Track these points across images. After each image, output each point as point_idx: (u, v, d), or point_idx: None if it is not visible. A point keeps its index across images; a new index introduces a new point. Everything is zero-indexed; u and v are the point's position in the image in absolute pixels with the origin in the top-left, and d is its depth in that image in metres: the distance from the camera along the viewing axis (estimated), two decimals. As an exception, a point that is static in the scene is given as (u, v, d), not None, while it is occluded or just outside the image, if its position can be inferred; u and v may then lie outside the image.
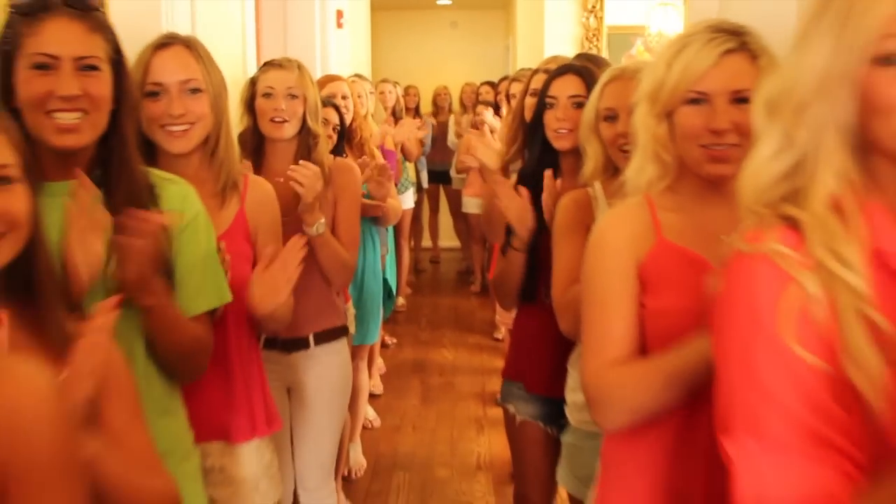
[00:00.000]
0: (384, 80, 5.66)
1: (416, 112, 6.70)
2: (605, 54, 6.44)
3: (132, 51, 1.47)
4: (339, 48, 5.98)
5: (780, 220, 0.85)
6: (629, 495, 1.31)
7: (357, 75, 4.64)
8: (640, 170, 1.30)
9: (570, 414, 1.88)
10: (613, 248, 1.29)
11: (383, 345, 4.91)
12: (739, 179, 0.90)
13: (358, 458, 3.53)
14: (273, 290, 1.60)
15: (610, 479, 1.36)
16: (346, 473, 3.35)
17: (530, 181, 1.98)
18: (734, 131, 1.18)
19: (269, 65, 2.24)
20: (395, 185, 4.26)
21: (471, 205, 5.82)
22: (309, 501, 2.33)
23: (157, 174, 1.39)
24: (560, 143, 1.99)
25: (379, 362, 4.56)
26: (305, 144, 2.22)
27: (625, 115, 1.57)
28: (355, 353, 3.04)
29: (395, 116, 5.44)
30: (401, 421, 4.10)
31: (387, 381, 4.58)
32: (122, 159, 1.30)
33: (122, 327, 1.11)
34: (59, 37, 1.24)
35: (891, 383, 0.77)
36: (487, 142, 3.16)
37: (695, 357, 1.15)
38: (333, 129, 2.76)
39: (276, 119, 2.15)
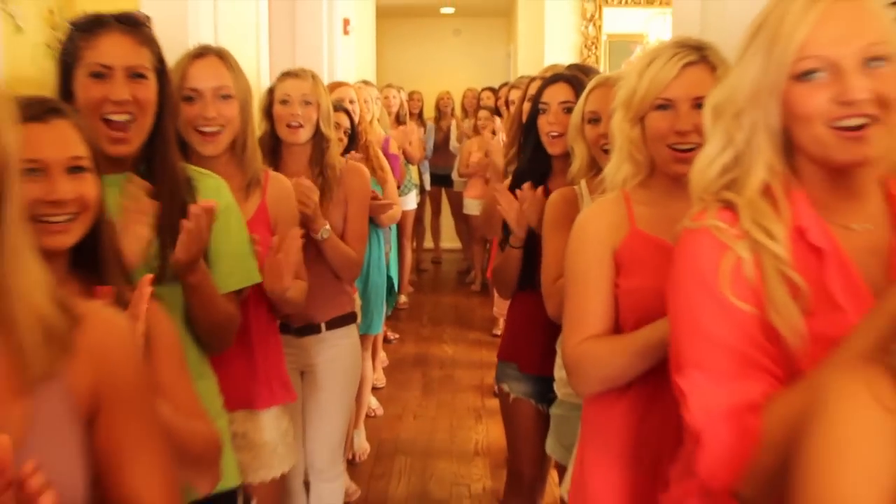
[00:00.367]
0: (389, 86, 5.85)
1: (420, 117, 6.89)
2: (603, 62, 6.66)
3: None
4: (346, 54, 6.18)
5: (719, 203, 1.04)
6: (604, 451, 1.50)
7: (363, 81, 4.83)
8: (616, 168, 1.50)
9: (558, 388, 2.07)
10: (592, 236, 1.48)
11: (386, 340, 5.09)
12: (691, 172, 1.10)
13: (362, 444, 3.72)
14: (277, 276, 1.77)
15: (588, 437, 1.55)
16: (350, 458, 3.53)
17: (524, 181, 2.17)
18: (696, 132, 1.37)
19: (285, 74, 2.42)
20: (399, 187, 4.47)
21: (472, 207, 6.02)
22: (319, 482, 2.49)
23: (193, 169, 1.58)
24: (553, 149, 2.18)
25: (382, 356, 4.73)
26: (318, 148, 2.40)
27: (606, 117, 1.76)
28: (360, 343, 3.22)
29: (399, 121, 5.64)
30: (403, 410, 4.29)
31: (389, 373, 4.77)
32: (164, 156, 1.50)
33: (166, 300, 1.29)
34: (112, 49, 1.43)
35: (801, 325, 0.96)
36: (497, 145, 3.42)
37: (658, 334, 1.33)
38: (344, 132, 2.95)
39: (292, 124, 2.34)
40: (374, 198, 3.25)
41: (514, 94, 3.50)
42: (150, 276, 1.22)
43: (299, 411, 2.39)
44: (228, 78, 1.79)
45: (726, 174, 1.06)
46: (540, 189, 2.10)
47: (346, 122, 2.98)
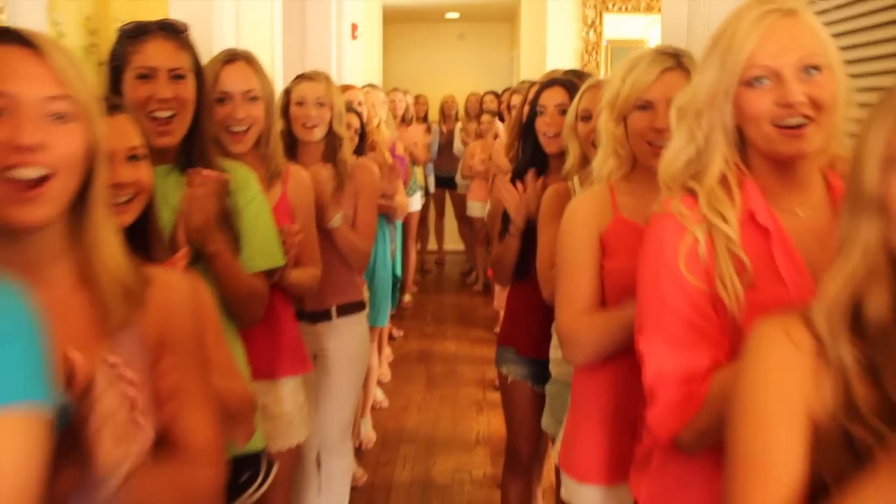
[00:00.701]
0: (395, 90, 6.03)
1: (425, 120, 7.07)
2: (604, 66, 6.84)
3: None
4: (354, 58, 6.37)
5: (683, 191, 1.22)
6: (590, 415, 1.68)
7: (370, 85, 5.01)
8: (602, 162, 1.68)
9: (552, 368, 2.24)
10: (581, 222, 1.66)
11: (391, 337, 5.26)
12: (660, 164, 1.28)
13: (368, 433, 3.89)
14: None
15: (576, 404, 1.73)
16: (357, 445, 3.70)
17: (523, 177, 2.35)
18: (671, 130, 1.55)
19: (301, 77, 2.60)
20: (405, 185, 4.66)
21: (474, 209, 6.19)
22: (330, 459, 2.67)
23: (225, 161, 1.77)
24: (550, 148, 2.36)
25: (387, 351, 4.91)
26: (331, 145, 2.58)
27: (596, 116, 1.94)
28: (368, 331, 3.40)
29: (405, 123, 5.83)
30: (407, 402, 4.46)
31: (394, 368, 4.94)
32: (201, 149, 1.68)
33: (203, 277, 1.47)
34: (157, 53, 1.62)
35: (742, 296, 1.14)
36: (499, 148, 3.61)
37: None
38: (355, 131, 3.13)
39: (307, 124, 2.52)
40: (383, 196, 3.44)
41: (516, 99, 3.69)
42: (187, 248, 1.41)
43: (312, 392, 2.56)
44: (255, 81, 1.98)
45: (689, 166, 1.23)
46: (540, 180, 2.28)
47: (356, 123, 3.16)
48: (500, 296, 4.63)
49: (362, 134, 3.24)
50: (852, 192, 0.88)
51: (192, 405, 1.08)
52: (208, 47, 2.19)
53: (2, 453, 0.67)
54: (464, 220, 6.93)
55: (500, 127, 5.02)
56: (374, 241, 3.57)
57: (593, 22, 6.68)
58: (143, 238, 1.36)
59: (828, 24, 1.83)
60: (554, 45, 6.78)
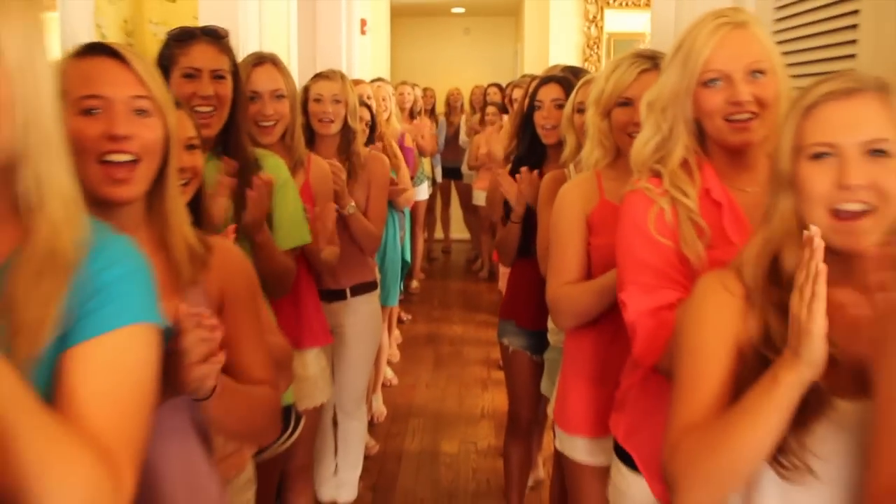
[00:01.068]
0: (403, 83, 6.25)
1: (432, 112, 7.29)
2: (605, 59, 7.05)
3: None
4: (363, 52, 6.60)
5: (650, 172, 1.46)
6: (579, 372, 1.91)
7: (379, 79, 5.23)
8: (590, 152, 1.91)
9: (550, 337, 2.48)
10: (570, 205, 1.90)
11: (399, 320, 5.50)
12: (632, 151, 1.51)
13: (379, 407, 4.14)
14: (315, 240, 2.15)
15: (568, 363, 1.97)
16: (369, 419, 3.94)
17: (522, 166, 2.58)
18: None
19: (318, 76, 2.83)
20: (412, 177, 4.90)
21: (480, 198, 6.40)
22: (346, 420, 2.95)
23: (258, 151, 2.00)
24: (547, 139, 2.59)
25: (396, 333, 5.15)
26: (346, 138, 2.82)
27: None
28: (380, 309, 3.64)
29: (413, 116, 6.05)
30: (416, 380, 4.71)
31: (403, 350, 5.18)
32: (237, 140, 1.91)
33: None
34: (201, 56, 1.85)
35: (703, 253, 1.37)
36: (496, 138, 3.84)
37: (614, 277, 1.74)
38: (366, 124, 3.37)
39: (324, 119, 2.75)
40: (392, 183, 3.68)
41: (517, 92, 3.93)
42: (233, 225, 1.65)
43: (330, 363, 2.81)
44: (281, 81, 2.22)
45: (657, 152, 1.47)
46: (535, 172, 2.51)
47: (367, 116, 3.40)
48: (505, 279, 4.87)
49: (372, 126, 3.48)
50: (773, 173, 1.12)
51: (250, 346, 1.32)
52: (234, 45, 2.43)
53: (134, 355, 0.90)
54: (469, 209, 7.16)
55: (505, 119, 5.25)
56: (385, 227, 3.84)
57: (595, 17, 6.89)
58: (195, 214, 1.60)
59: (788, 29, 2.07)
60: (556, 40, 7.00)
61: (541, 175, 2.50)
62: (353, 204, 2.73)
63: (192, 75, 1.85)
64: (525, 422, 2.81)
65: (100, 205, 1.16)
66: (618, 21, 6.96)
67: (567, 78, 2.58)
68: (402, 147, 4.58)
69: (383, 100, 4.53)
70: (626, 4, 6.84)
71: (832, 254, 1.04)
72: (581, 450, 1.94)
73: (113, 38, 2.57)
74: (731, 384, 1.08)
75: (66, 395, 0.85)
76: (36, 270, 0.85)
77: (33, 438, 0.76)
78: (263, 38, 3.06)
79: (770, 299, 1.08)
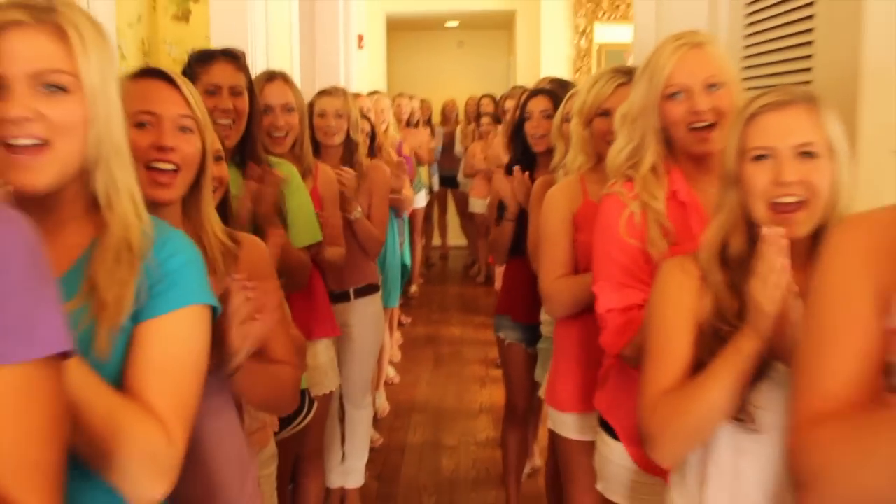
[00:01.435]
0: (401, 94, 6.47)
1: (429, 123, 7.50)
2: (596, 69, 7.28)
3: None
4: (360, 66, 6.82)
5: (624, 177, 1.66)
6: (568, 357, 2.12)
7: (376, 92, 5.44)
8: (574, 158, 2.12)
9: (543, 329, 2.68)
10: (557, 205, 2.10)
11: (399, 323, 5.69)
12: (607, 158, 1.72)
13: (382, 404, 4.34)
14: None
15: (558, 350, 2.17)
16: (372, 415, 4.14)
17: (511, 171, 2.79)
18: None
19: (322, 93, 3.04)
20: (411, 183, 5.11)
21: (476, 205, 6.62)
22: (353, 410, 3.15)
23: (271, 159, 2.20)
24: (537, 147, 2.79)
25: (397, 335, 5.35)
26: (348, 149, 3.02)
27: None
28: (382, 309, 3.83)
29: (411, 126, 6.27)
30: (416, 379, 4.91)
31: (404, 351, 5.38)
32: (253, 150, 2.11)
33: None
34: (220, 74, 2.05)
35: (667, 253, 1.57)
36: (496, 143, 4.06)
37: None
38: (367, 135, 3.57)
39: (328, 132, 2.94)
40: (392, 191, 3.88)
41: (509, 103, 4.15)
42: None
43: (337, 354, 3.01)
44: (291, 95, 2.42)
45: (630, 159, 1.67)
46: (526, 173, 2.71)
47: (367, 127, 3.61)
48: (500, 280, 5.07)
49: (372, 137, 3.69)
50: (722, 172, 1.32)
51: (275, 330, 1.51)
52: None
53: (192, 330, 1.09)
54: (466, 216, 7.36)
55: (499, 128, 5.47)
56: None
57: (584, 30, 7.13)
58: (222, 217, 1.80)
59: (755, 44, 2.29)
60: (548, 52, 7.23)
61: (532, 180, 2.71)
62: (359, 209, 2.93)
63: (212, 91, 2.05)
64: (521, 410, 3.00)
65: (147, 205, 1.36)
66: (607, 33, 7.19)
67: (554, 90, 2.79)
68: (400, 155, 4.79)
69: (381, 112, 4.74)
70: (615, 18, 7.07)
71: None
72: (571, 427, 2.14)
73: (131, 58, 2.77)
74: (692, 353, 1.28)
75: (136, 362, 1.05)
76: (113, 258, 1.04)
77: (102, 409, 0.95)
78: (270, 55, 3.28)
79: (721, 279, 1.28)
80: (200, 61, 2.08)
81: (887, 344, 0.91)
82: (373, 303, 3.15)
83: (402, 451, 3.90)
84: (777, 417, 1.22)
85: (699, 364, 1.28)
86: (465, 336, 5.83)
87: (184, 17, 2.91)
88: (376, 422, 4.14)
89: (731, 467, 1.28)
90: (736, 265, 1.27)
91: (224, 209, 1.78)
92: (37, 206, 1.00)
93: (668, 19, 2.82)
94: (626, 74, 2.03)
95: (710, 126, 1.59)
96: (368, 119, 3.70)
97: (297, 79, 4.31)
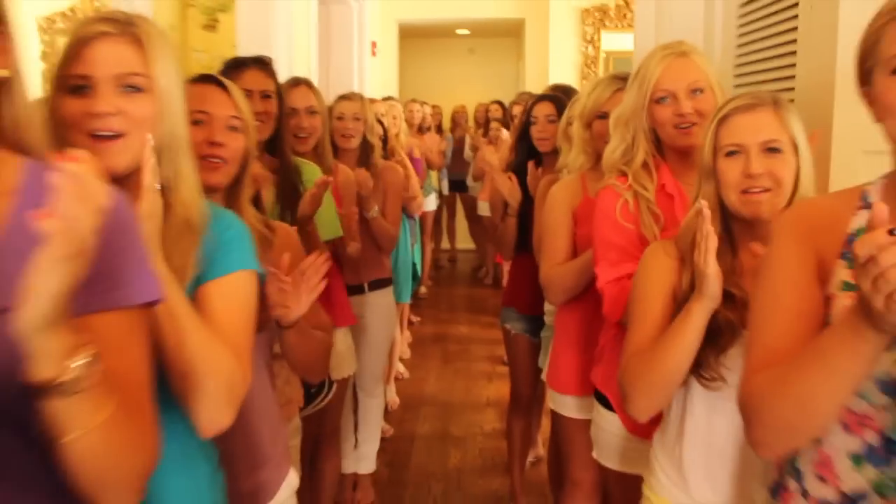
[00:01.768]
0: (413, 101, 6.66)
1: (439, 129, 7.69)
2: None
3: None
4: (373, 72, 7.02)
5: (618, 172, 1.84)
6: (568, 340, 2.29)
7: (389, 97, 5.64)
8: (575, 158, 2.30)
9: (547, 318, 2.86)
10: (559, 201, 2.28)
11: (409, 322, 5.88)
12: (604, 157, 1.90)
13: (393, 397, 4.52)
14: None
15: (559, 333, 2.35)
16: (383, 404, 4.31)
17: (519, 172, 2.97)
18: None
19: (341, 98, 3.22)
20: (421, 186, 5.30)
21: (485, 208, 6.78)
22: (366, 398, 3.32)
23: (297, 159, 2.39)
24: (542, 149, 2.97)
25: (406, 333, 5.53)
26: (364, 151, 3.21)
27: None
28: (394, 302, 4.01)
29: (421, 131, 6.46)
30: (426, 374, 5.08)
31: (413, 348, 5.56)
32: (281, 149, 2.30)
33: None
34: (251, 79, 2.24)
35: (658, 235, 1.75)
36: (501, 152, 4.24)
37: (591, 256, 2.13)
38: (380, 138, 3.76)
39: (346, 135, 3.13)
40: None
41: (517, 109, 4.34)
42: None
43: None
44: (314, 100, 2.62)
45: (623, 157, 1.86)
46: (540, 169, 2.89)
47: (380, 131, 3.80)
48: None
49: (384, 140, 3.88)
50: (700, 166, 1.50)
51: (315, 304, 1.69)
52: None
53: (244, 289, 1.28)
54: (474, 219, 7.53)
55: (505, 134, 5.64)
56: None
57: (592, 38, 7.31)
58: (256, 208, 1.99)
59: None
60: (556, 59, 7.41)
61: (541, 174, 2.89)
62: (376, 208, 3.12)
63: (244, 95, 2.24)
64: (526, 398, 3.18)
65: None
66: (614, 41, 7.36)
67: (558, 96, 2.97)
68: (411, 158, 4.99)
69: (394, 117, 4.94)
70: (622, 27, 7.25)
71: (744, 222, 1.43)
72: (570, 407, 2.32)
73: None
74: (667, 323, 1.46)
75: (201, 315, 1.24)
76: (177, 233, 1.23)
77: (196, 332, 1.15)
78: (293, 61, 3.48)
79: (694, 260, 1.46)
80: (234, 68, 2.27)
81: (826, 307, 1.09)
82: (386, 295, 3.33)
83: (411, 441, 4.08)
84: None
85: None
86: (472, 335, 6.01)
87: (212, 26, 3.11)
88: (387, 414, 4.30)
89: (704, 423, 1.45)
90: (711, 248, 1.45)
91: (257, 202, 1.97)
92: (115, 187, 1.19)
93: (667, 28, 3.00)
94: (623, 80, 2.20)
95: (693, 125, 1.77)
96: (381, 123, 3.89)
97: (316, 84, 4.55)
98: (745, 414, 1.10)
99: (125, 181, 1.19)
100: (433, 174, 6.72)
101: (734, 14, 2.66)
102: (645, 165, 1.83)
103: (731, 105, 1.46)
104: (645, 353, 1.43)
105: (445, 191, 7.64)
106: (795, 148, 1.44)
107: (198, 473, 1.29)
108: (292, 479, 1.69)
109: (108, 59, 1.16)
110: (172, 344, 1.11)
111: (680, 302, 1.45)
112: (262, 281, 1.35)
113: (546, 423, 3.62)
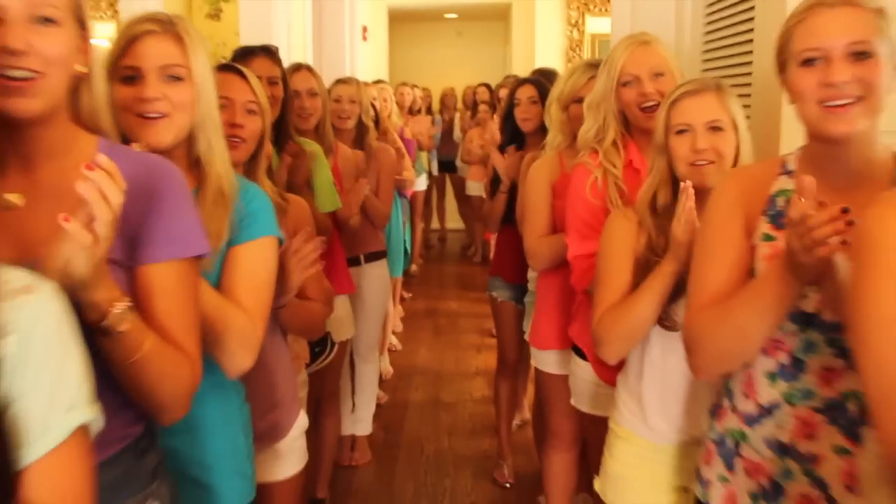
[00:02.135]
0: (403, 84, 6.85)
1: (429, 111, 7.89)
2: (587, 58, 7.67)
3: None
4: (364, 56, 7.20)
5: (590, 150, 2.07)
6: (548, 304, 2.53)
7: (380, 81, 5.83)
8: (553, 137, 2.53)
9: (530, 285, 3.09)
10: (539, 177, 2.51)
11: (401, 298, 6.11)
12: (578, 137, 2.13)
13: (386, 367, 4.76)
14: (347, 208, 2.75)
15: (540, 297, 2.59)
16: (378, 369, 4.54)
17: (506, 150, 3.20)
18: None
19: (338, 81, 3.44)
20: (412, 166, 5.52)
21: (473, 188, 7.01)
22: (362, 364, 3.57)
23: (299, 138, 2.61)
24: (526, 128, 3.20)
25: (398, 308, 5.76)
26: (360, 133, 3.43)
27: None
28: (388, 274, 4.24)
29: (412, 113, 6.66)
30: (417, 346, 5.33)
31: (405, 322, 5.79)
32: (286, 131, 2.52)
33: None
34: (259, 66, 2.43)
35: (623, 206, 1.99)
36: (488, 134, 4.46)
37: None
38: (372, 120, 3.98)
39: (342, 116, 3.35)
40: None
41: (503, 92, 4.56)
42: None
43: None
44: (314, 83, 2.83)
45: (596, 136, 2.09)
46: (519, 152, 3.12)
47: (372, 113, 4.02)
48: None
49: (376, 122, 4.09)
50: (653, 142, 1.73)
51: (311, 277, 1.93)
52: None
53: (267, 253, 1.50)
54: (463, 199, 7.72)
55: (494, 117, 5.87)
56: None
57: (577, 22, 7.52)
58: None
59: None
60: (542, 42, 7.62)
61: (521, 156, 3.12)
62: (367, 186, 3.33)
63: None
64: (512, 361, 3.42)
65: None
66: (599, 24, 7.57)
67: (539, 80, 3.19)
68: (402, 138, 5.20)
69: (385, 100, 5.14)
70: (606, 11, 7.45)
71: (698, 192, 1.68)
72: (551, 362, 2.56)
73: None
74: (631, 279, 1.70)
75: (230, 274, 1.47)
76: (212, 202, 1.45)
77: (214, 299, 1.37)
78: (290, 48, 3.69)
79: (651, 223, 1.70)
80: (242, 56, 2.48)
81: (751, 255, 1.33)
82: (380, 267, 3.55)
83: (405, 407, 4.33)
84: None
85: (636, 287, 1.70)
86: (462, 309, 6.25)
87: (216, 15, 3.31)
88: (381, 383, 4.53)
89: (660, 363, 1.70)
90: (663, 212, 1.69)
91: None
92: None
93: (642, 15, 3.22)
94: (596, 68, 2.42)
95: (657, 105, 2.00)
96: (374, 106, 4.10)
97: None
98: (688, 345, 1.34)
99: (169, 154, 1.42)
100: (423, 155, 6.92)
101: (702, 5, 2.89)
102: (614, 143, 2.06)
103: (680, 90, 1.70)
104: (619, 306, 1.67)
105: (435, 171, 7.85)
106: (735, 127, 1.67)
107: (229, 402, 1.53)
108: (302, 421, 1.93)
109: (154, 52, 1.38)
110: (201, 301, 1.34)
111: (639, 259, 1.69)
112: (280, 244, 1.58)
113: (531, 390, 3.87)
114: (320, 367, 2.64)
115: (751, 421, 1.34)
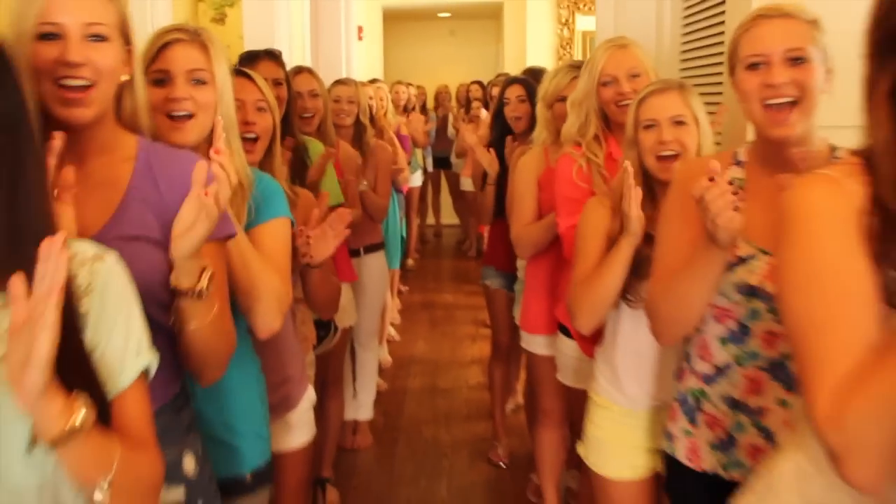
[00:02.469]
0: (398, 82, 7.02)
1: (423, 108, 8.05)
2: (580, 55, 7.85)
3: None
4: (360, 55, 7.37)
5: (574, 143, 2.26)
6: (536, 287, 2.71)
7: (376, 80, 6.00)
8: (539, 134, 2.72)
9: (520, 273, 3.28)
10: (525, 171, 2.69)
11: (399, 291, 6.29)
12: (562, 133, 2.31)
13: (385, 357, 4.93)
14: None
15: (528, 283, 2.78)
16: (377, 357, 4.72)
17: (496, 146, 3.38)
18: None
19: (337, 82, 3.62)
20: (408, 163, 5.70)
21: (467, 184, 7.16)
22: (362, 352, 3.75)
23: (303, 137, 2.79)
24: (516, 126, 3.38)
25: (396, 301, 5.93)
26: (358, 131, 3.61)
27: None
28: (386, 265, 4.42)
29: (407, 111, 6.83)
30: (415, 337, 5.51)
31: (402, 314, 5.95)
32: (290, 129, 2.70)
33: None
34: (265, 69, 2.60)
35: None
36: (481, 130, 4.64)
37: (553, 217, 2.54)
38: (368, 118, 4.16)
39: (341, 115, 3.53)
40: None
41: (495, 90, 4.74)
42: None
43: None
44: (316, 84, 3.01)
45: (579, 132, 2.27)
46: (516, 142, 3.29)
47: (368, 112, 4.20)
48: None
49: (371, 120, 4.27)
50: (625, 137, 1.92)
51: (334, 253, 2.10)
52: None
53: (283, 232, 1.69)
54: (458, 195, 7.90)
55: (484, 113, 6.04)
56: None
57: (567, 20, 7.70)
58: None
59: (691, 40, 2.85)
60: (533, 41, 7.80)
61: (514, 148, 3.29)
62: (365, 182, 3.52)
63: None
64: (505, 346, 3.61)
65: None
66: (588, 23, 7.75)
67: (526, 79, 3.38)
68: (398, 135, 5.38)
69: (381, 99, 5.32)
70: (595, 9, 7.65)
71: (660, 182, 1.86)
72: (540, 345, 2.74)
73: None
74: (603, 257, 1.88)
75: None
76: (233, 191, 1.63)
77: (255, 259, 1.56)
78: (291, 50, 3.86)
79: (622, 207, 1.89)
80: (248, 60, 2.66)
81: None
82: (379, 258, 3.74)
83: (404, 394, 4.51)
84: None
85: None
86: (457, 302, 6.43)
87: (220, 19, 3.48)
88: (381, 371, 4.70)
89: (632, 335, 1.88)
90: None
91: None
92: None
93: (624, 16, 3.41)
94: (578, 69, 2.61)
95: (629, 103, 2.18)
96: (369, 105, 4.28)
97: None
98: (647, 314, 1.53)
99: (196, 150, 1.60)
100: (418, 152, 7.09)
101: (679, 8, 3.07)
102: (596, 137, 2.25)
103: (647, 89, 1.88)
104: (587, 280, 1.86)
105: (430, 168, 8.02)
106: (697, 122, 1.86)
107: (249, 372, 1.71)
108: (311, 394, 2.11)
109: (182, 58, 1.57)
110: (239, 267, 1.53)
111: (613, 241, 1.87)
112: (292, 226, 1.77)
113: (524, 375, 4.06)
114: (325, 349, 2.82)
115: (708, 380, 1.53)
